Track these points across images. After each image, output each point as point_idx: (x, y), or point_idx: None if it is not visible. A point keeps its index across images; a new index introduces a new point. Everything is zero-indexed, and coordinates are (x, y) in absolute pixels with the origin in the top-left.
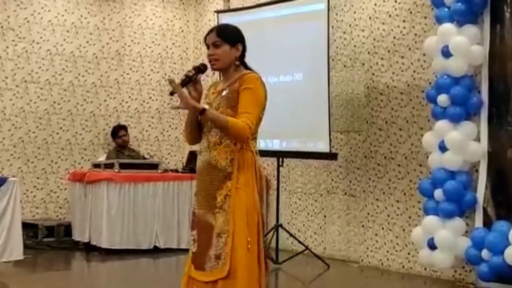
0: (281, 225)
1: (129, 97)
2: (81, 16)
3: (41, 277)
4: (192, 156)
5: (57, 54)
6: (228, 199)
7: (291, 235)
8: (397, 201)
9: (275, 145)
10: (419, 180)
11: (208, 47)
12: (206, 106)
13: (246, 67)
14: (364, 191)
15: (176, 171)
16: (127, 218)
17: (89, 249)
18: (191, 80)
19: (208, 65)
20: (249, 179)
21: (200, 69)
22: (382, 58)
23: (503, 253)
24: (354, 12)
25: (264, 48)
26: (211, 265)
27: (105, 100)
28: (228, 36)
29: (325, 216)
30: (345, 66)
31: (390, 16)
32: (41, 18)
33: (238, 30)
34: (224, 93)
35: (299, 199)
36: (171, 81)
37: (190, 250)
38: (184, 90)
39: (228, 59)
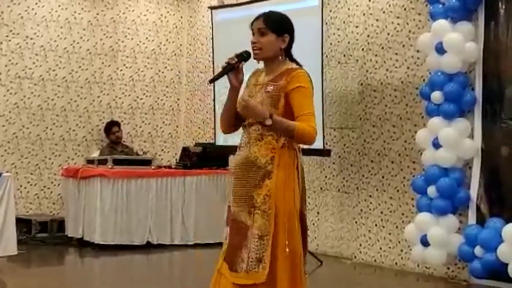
0: None
1: (123, 93)
2: (75, 12)
3: (35, 273)
4: (185, 152)
5: (50, 50)
6: (269, 199)
7: None
8: (390, 198)
9: None
10: (412, 177)
11: (253, 33)
12: (269, 122)
13: (292, 59)
14: (357, 187)
15: (170, 167)
16: (120, 214)
17: (82, 245)
18: (233, 68)
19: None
20: (289, 179)
21: (244, 56)
22: (376, 55)
23: (496, 250)
24: (348, 9)
25: None
26: (249, 268)
27: (98, 96)
28: (275, 25)
29: (318, 213)
30: (339, 62)
31: (384, 12)
32: (35, 13)
33: (287, 19)
34: (268, 88)
35: None
36: (245, 101)
37: (223, 246)
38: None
39: (273, 50)
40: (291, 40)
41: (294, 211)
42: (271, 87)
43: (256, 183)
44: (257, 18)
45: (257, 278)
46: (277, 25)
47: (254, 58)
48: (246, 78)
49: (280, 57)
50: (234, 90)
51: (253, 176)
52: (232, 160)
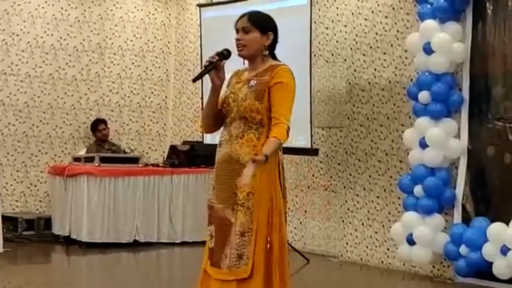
0: None
1: (110, 90)
2: (62, 8)
3: (21, 270)
4: (173, 150)
5: (37, 46)
6: (252, 197)
7: None
8: (377, 197)
9: None
10: (399, 176)
11: (237, 32)
12: (266, 155)
13: (275, 58)
14: (344, 186)
15: (157, 165)
16: (107, 212)
17: (69, 243)
18: (215, 66)
19: (233, 51)
20: (272, 177)
21: (224, 55)
22: (364, 54)
23: (481, 249)
24: (337, 8)
25: None
26: (231, 264)
27: (85, 94)
28: (259, 23)
29: (305, 211)
30: (327, 61)
31: (372, 12)
32: (21, 9)
33: (271, 18)
34: (252, 83)
35: None
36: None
37: (206, 244)
38: None
39: (256, 47)
40: (275, 40)
41: (275, 208)
42: (255, 82)
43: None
44: (241, 17)
45: (238, 274)
46: (261, 23)
47: (239, 55)
48: (228, 76)
49: (263, 55)
50: (215, 89)
51: (236, 173)
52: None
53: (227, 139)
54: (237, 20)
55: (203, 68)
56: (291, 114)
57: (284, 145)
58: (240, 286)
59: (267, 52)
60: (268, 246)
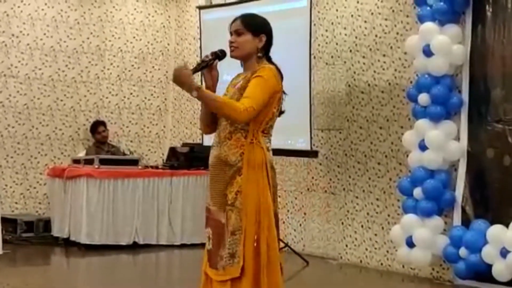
0: None
1: (110, 92)
2: (61, 10)
3: (20, 272)
4: (172, 152)
5: (36, 48)
6: (240, 195)
7: None
8: (377, 199)
9: None
10: (398, 179)
11: (231, 35)
12: (195, 94)
13: (270, 61)
14: (344, 189)
15: (156, 167)
16: (106, 214)
17: (68, 245)
18: (207, 65)
19: (228, 52)
20: (259, 176)
21: (218, 55)
22: (363, 57)
23: (480, 252)
24: (337, 10)
25: None
26: (224, 264)
27: (85, 96)
28: (252, 25)
29: (305, 214)
30: (326, 64)
31: (372, 14)
32: (21, 11)
33: (264, 20)
34: (238, 85)
35: (279, 196)
36: (184, 64)
37: (205, 247)
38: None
39: (248, 48)
40: (269, 42)
41: (263, 207)
42: (240, 82)
43: (228, 181)
44: (234, 20)
45: (232, 273)
46: (254, 26)
47: (231, 56)
48: (228, 78)
49: (257, 57)
50: (208, 89)
51: (225, 175)
52: None
53: (217, 141)
54: (231, 23)
55: (195, 65)
56: (258, 104)
57: (283, 147)
58: (234, 285)
59: (260, 54)
60: (255, 244)
